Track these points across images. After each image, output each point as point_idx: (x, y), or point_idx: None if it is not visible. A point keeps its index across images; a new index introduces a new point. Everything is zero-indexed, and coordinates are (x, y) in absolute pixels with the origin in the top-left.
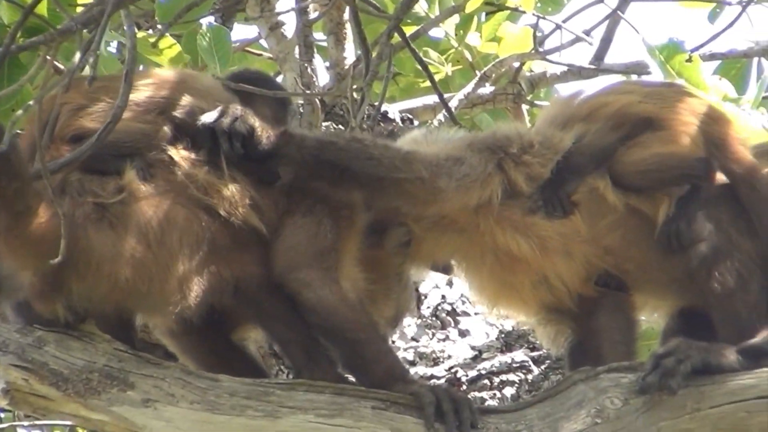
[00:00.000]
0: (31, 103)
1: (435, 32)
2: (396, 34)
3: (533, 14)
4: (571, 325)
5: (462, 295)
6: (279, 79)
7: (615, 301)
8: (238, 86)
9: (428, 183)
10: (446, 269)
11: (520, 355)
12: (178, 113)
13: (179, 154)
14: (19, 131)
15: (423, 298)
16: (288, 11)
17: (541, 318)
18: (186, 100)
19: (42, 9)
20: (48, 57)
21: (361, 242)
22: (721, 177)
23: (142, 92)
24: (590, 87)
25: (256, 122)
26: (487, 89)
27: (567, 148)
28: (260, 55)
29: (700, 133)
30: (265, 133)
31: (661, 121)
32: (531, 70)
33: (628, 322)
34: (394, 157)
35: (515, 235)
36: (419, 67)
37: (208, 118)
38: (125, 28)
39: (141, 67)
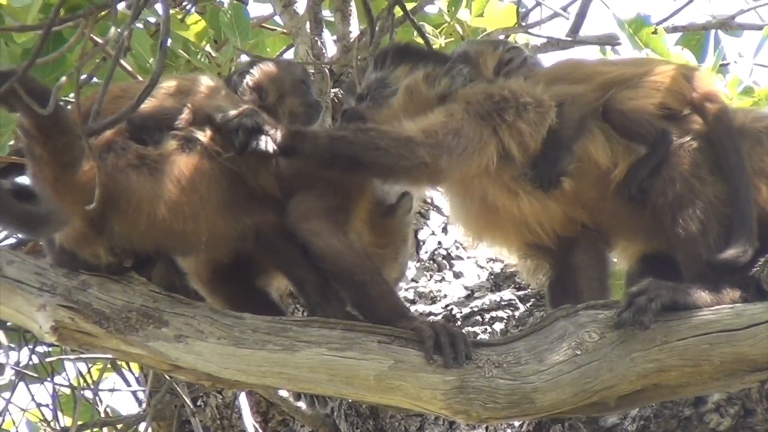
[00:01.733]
0: (73, 70)
1: (429, 9)
2: (397, 9)
3: None
4: (549, 261)
5: (456, 241)
6: (291, 51)
7: (590, 241)
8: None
9: (431, 166)
10: None
11: (508, 294)
12: (199, 104)
13: (206, 135)
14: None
15: (421, 243)
16: None
17: (522, 253)
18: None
19: None
20: (86, 31)
21: (372, 211)
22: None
23: (169, 83)
24: (567, 57)
25: (270, 122)
26: None
27: (555, 114)
28: (275, 30)
29: (677, 77)
30: (279, 132)
31: (641, 74)
32: (515, 42)
33: (602, 260)
34: (398, 146)
35: (503, 193)
36: (418, 39)
37: (229, 117)
38: (159, 1)
39: (170, 42)
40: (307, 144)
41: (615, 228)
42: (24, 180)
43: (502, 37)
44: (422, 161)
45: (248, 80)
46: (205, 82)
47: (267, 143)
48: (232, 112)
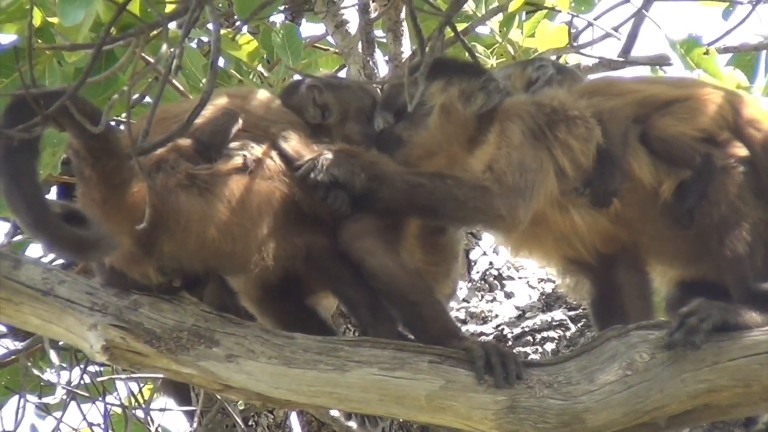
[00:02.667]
0: (125, 88)
1: (481, 29)
2: (448, 30)
3: (568, 13)
4: (590, 277)
5: (507, 261)
6: (344, 71)
7: (632, 259)
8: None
9: (508, 219)
10: None
11: (559, 314)
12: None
13: (258, 150)
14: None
15: (473, 264)
16: (352, 6)
17: (562, 268)
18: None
19: (134, 7)
20: (137, 50)
21: (423, 228)
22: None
23: (220, 99)
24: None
25: (348, 168)
26: None
27: (600, 132)
28: (327, 50)
29: (720, 102)
30: (357, 178)
31: (684, 98)
32: (566, 62)
33: (645, 279)
34: (475, 197)
35: (552, 207)
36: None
37: (306, 171)
38: (210, 20)
39: (221, 61)
40: (384, 190)
41: (655, 249)
42: (74, 202)
43: (553, 57)
44: (499, 214)
45: (316, 95)
46: (257, 96)
47: (344, 203)
48: (305, 158)
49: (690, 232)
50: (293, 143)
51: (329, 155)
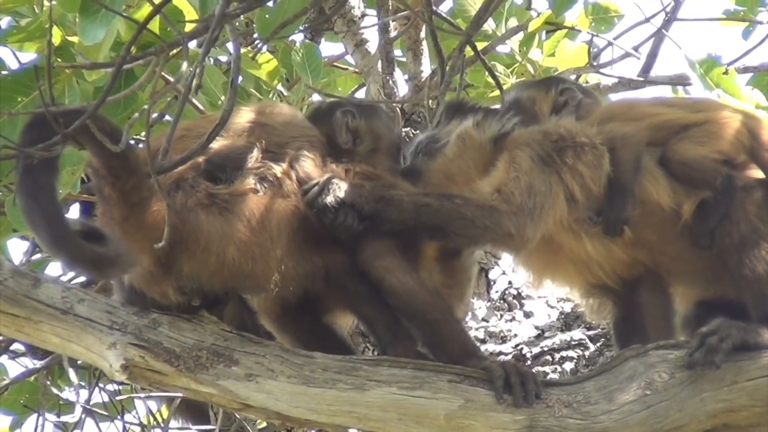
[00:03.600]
0: (145, 107)
1: (501, 48)
2: (468, 49)
3: (588, 32)
4: (612, 299)
5: (526, 281)
6: (363, 90)
7: (654, 280)
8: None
9: (517, 237)
10: None
11: (578, 333)
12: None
13: (282, 169)
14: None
15: (492, 283)
16: (372, 26)
17: (584, 292)
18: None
19: (154, 26)
20: (157, 69)
21: (440, 248)
22: (747, 174)
23: (240, 117)
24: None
25: (355, 190)
26: None
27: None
28: (346, 69)
29: (738, 126)
30: (365, 200)
31: (702, 122)
32: (587, 82)
33: (667, 299)
34: (483, 216)
35: (567, 234)
36: (489, 79)
37: (314, 196)
38: (230, 39)
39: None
40: (392, 210)
41: (675, 270)
42: (93, 220)
43: (573, 77)
44: (508, 232)
45: (349, 121)
46: (279, 111)
47: (354, 221)
48: (313, 182)
49: (709, 252)
50: (305, 165)
51: (336, 179)
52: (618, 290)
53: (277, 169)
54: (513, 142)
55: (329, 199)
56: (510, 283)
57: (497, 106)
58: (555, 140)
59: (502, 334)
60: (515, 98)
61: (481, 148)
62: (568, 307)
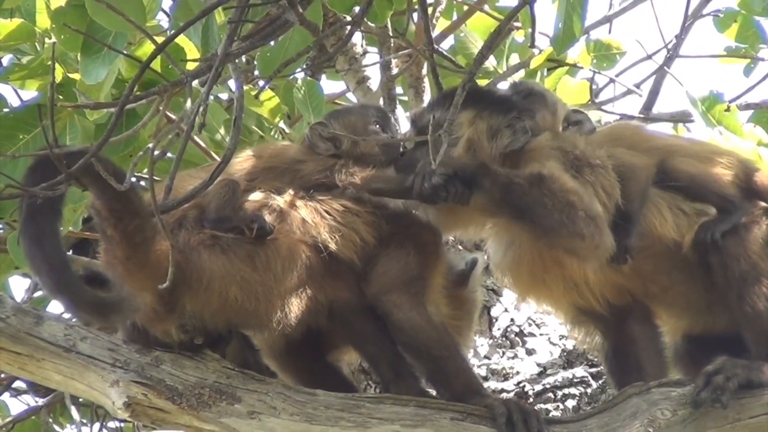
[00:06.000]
0: (149, 146)
1: (503, 86)
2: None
3: (590, 69)
4: (601, 329)
5: (529, 318)
6: None
7: (644, 312)
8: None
9: (587, 241)
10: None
11: (580, 371)
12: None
13: (285, 200)
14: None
15: (494, 320)
16: (373, 64)
17: (572, 317)
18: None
19: (156, 65)
20: (160, 108)
21: (447, 280)
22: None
23: (244, 164)
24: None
25: (447, 162)
26: None
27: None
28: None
29: (735, 171)
30: (466, 166)
31: (703, 155)
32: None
33: (657, 333)
34: (562, 210)
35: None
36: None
37: (419, 187)
38: (233, 77)
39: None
40: (488, 180)
41: (667, 301)
42: (95, 264)
43: None
44: (579, 233)
45: (320, 131)
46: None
47: (463, 189)
48: (409, 177)
49: (703, 282)
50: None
51: (422, 164)
52: (606, 318)
53: (280, 201)
54: (536, 153)
55: (435, 180)
56: (512, 320)
57: (512, 100)
58: (572, 158)
59: (504, 372)
60: (541, 93)
61: (489, 159)
62: (570, 345)
